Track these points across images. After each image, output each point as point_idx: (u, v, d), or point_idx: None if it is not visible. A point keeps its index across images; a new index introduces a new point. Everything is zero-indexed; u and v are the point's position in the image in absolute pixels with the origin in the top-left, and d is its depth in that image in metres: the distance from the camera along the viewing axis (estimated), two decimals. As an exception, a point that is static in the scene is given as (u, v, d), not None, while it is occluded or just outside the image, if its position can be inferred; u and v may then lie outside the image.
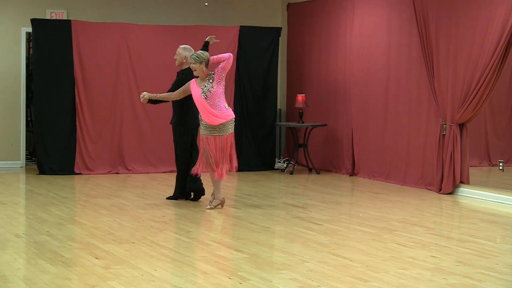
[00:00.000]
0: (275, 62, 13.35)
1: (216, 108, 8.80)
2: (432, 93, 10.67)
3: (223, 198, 9.06)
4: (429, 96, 10.79)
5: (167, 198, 9.67)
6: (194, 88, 8.86)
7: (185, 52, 9.44)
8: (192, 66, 8.84)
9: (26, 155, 13.27)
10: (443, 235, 7.91)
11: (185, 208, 9.13)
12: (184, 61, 9.45)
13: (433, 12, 10.62)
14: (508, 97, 13.01)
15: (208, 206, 9.01)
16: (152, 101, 9.39)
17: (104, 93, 12.41)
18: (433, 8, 10.63)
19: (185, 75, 9.32)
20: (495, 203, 9.79)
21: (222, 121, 8.80)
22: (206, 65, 8.83)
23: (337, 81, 12.84)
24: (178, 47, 9.60)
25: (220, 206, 9.05)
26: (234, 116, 8.94)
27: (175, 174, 9.68)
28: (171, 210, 8.97)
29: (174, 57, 9.59)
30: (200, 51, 8.95)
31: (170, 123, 9.65)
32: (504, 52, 9.65)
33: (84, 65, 12.28)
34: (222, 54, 8.90)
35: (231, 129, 8.89)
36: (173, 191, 9.72)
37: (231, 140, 8.92)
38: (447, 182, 10.43)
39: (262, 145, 13.19)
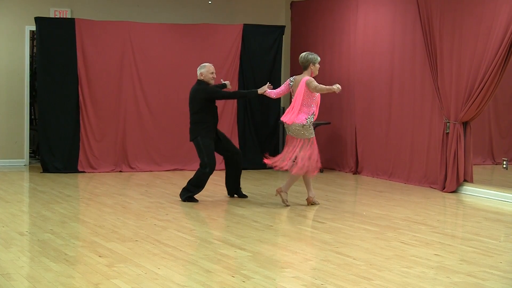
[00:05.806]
0: (278, 60, 13.34)
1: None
2: (436, 91, 10.65)
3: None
4: (433, 95, 10.78)
5: (240, 196, 9.75)
6: None
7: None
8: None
9: (30, 153, 13.29)
10: (447, 233, 7.90)
11: (188, 206, 9.14)
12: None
13: (437, 11, 10.61)
14: (512, 96, 13.00)
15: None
16: None
17: (108, 92, 12.41)
18: (437, 7, 10.61)
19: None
20: (499, 202, 9.79)
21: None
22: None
23: (340, 79, 12.80)
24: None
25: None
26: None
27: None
28: (175, 209, 8.97)
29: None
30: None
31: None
32: (507, 51, 9.63)
33: (88, 63, 12.29)
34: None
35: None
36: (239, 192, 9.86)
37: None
38: (450, 181, 10.42)
39: (265, 143, 13.18)
